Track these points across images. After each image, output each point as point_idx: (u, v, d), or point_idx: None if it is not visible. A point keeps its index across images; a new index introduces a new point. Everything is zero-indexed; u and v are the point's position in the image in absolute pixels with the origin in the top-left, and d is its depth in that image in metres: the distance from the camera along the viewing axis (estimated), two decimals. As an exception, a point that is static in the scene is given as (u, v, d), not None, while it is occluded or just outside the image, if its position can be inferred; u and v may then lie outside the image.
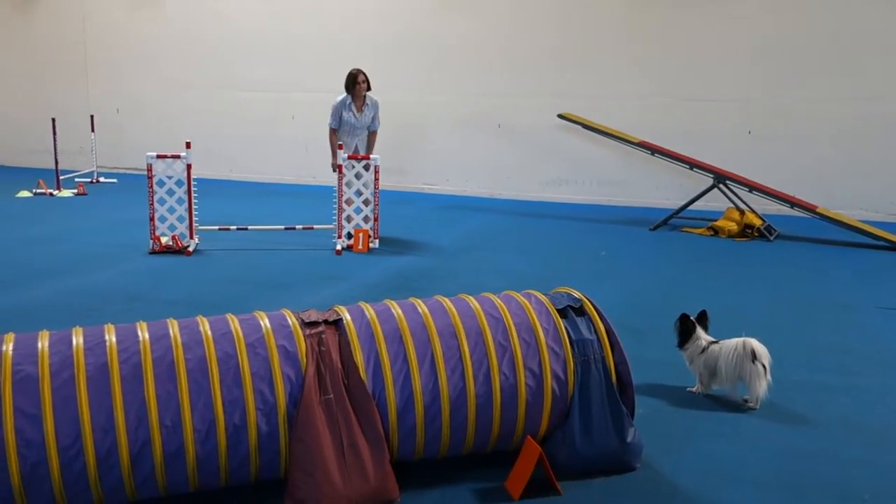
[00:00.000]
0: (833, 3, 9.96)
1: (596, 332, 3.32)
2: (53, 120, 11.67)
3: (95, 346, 2.83)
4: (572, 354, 3.25)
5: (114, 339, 2.87)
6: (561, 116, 10.56)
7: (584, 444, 3.22)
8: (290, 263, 7.22)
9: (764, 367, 3.93)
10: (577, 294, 3.50)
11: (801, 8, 10.07)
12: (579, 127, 10.54)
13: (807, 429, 3.80)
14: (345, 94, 8.15)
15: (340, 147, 7.82)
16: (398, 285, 6.36)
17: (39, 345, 2.80)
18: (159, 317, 3.30)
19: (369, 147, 8.41)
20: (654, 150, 9.80)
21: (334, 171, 7.81)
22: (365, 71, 8.17)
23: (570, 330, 3.30)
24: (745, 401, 4.04)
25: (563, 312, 3.36)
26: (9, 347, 2.76)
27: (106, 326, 2.97)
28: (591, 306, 3.42)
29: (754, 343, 3.97)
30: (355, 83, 8.06)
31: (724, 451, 3.53)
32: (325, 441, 2.92)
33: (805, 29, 10.09)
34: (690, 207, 9.43)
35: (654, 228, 9.29)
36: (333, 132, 8.21)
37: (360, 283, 6.50)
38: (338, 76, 12.21)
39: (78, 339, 2.86)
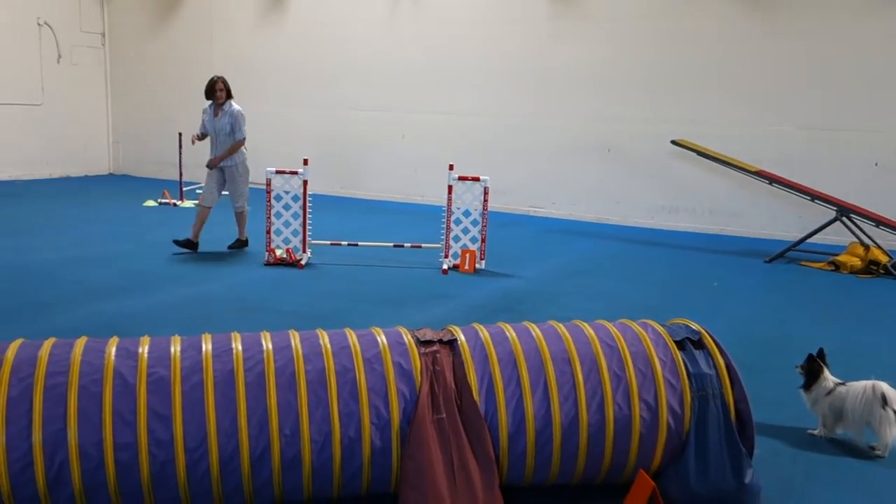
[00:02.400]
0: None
1: (715, 366, 3.22)
2: (180, 134, 12.29)
3: (223, 353, 2.95)
4: (690, 388, 3.16)
5: (240, 348, 2.99)
6: (675, 143, 10.34)
7: (699, 481, 3.11)
8: (397, 280, 7.33)
9: (895, 412, 3.71)
10: (695, 326, 3.41)
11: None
12: (692, 154, 10.29)
13: (941, 483, 3.55)
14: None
15: (198, 139, 8.43)
16: (503, 307, 6.35)
17: (172, 349, 2.94)
18: (273, 326, 3.42)
19: (226, 151, 8.20)
20: (772, 179, 9.45)
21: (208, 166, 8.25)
22: (225, 79, 8.19)
23: (688, 363, 3.21)
24: (873, 448, 3.81)
25: (680, 345, 3.28)
26: (144, 350, 2.92)
27: (232, 334, 3.10)
28: (710, 339, 3.32)
29: (885, 387, 3.75)
30: (213, 90, 8.09)
31: (847, 502, 3.34)
32: (437, 460, 2.93)
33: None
34: (810, 240, 9.03)
35: (770, 261, 8.94)
36: (202, 136, 8.39)
37: (465, 304, 6.53)
38: (449, 99, 12.50)
39: (207, 345, 2.98)
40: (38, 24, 14.34)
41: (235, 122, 8.06)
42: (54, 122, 14.39)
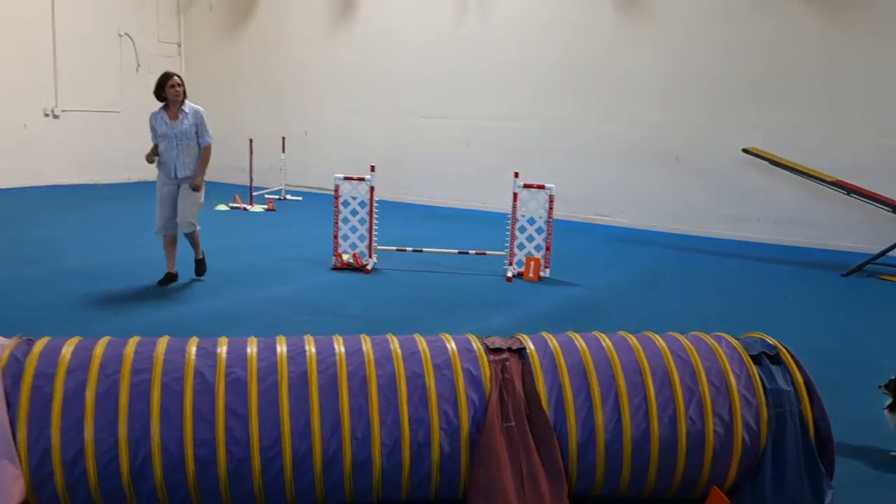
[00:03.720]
0: None
1: (793, 382, 3.14)
2: (251, 141, 12.60)
3: (297, 355, 3.01)
4: (766, 404, 3.09)
5: (313, 350, 3.04)
6: (746, 151, 10.11)
7: (777, 501, 3.03)
8: (461, 287, 7.34)
9: None
10: (771, 340, 3.33)
11: None
12: (763, 162, 10.04)
13: None
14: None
15: (153, 155, 6.79)
16: (569, 316, 6.31)
17: (249, 350, 3.02)
18: (341, 330, 3.46)
19: (200, 164, 6.83)
20: (850, 189, 9.16)
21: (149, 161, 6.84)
22: (180, 75, 6.87)
23: (764, 378, 3.14)
24: None
25: (756, 359, 3.21)
26: (223, 350, 3.00)
27: (306, 337, 3.16)
28: (787, 355, 3.24)
29: None
30: (165, 86, 6.57)
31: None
32: (506, 469, 2.93)
33: None
34: (891, 254, 8.70)
35: (848, 274, 8.65)
36: (154, 148, 6.79)
37: (530, 312, 6.50)
38: (515, 105, 12.49)
39: (282, 347, 3.05)
40: (119, 36, 14.90)
41: (202, 124, 6.75)
42: (132, 129, 14.83)
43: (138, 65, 15.15)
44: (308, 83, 14.70)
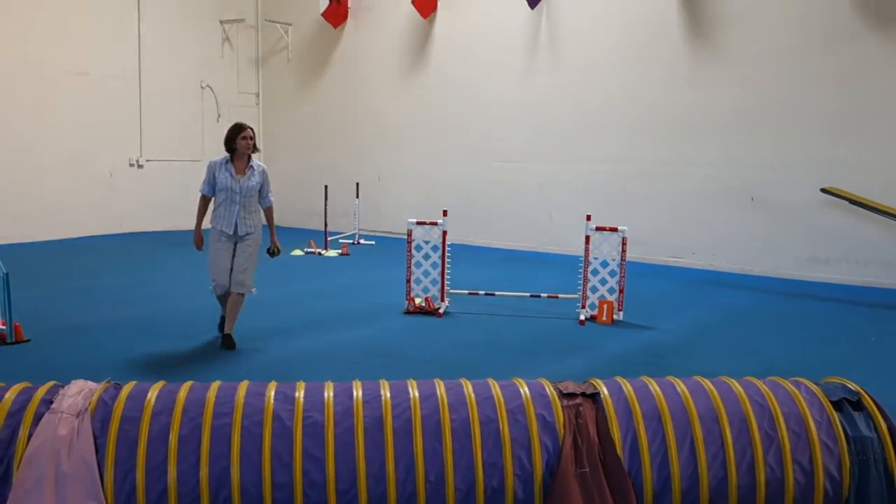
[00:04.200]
0: None
1: (876, 429, 3.05)
2: (326, 187, 12.95)
3: (372, 399, 3.08)
4: (848, 452, 3.00)
5: (388, 395, 3.11)
6: (825, 191, 9.86)
7: (862, 553, 2.93)
8: (534, 330, 7.34)
9: None
10: (853, 386, 3.24)
11: None
12: (845, 202, 9.77)
13: None
14: (225, 154, 6.40)
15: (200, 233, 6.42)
16: (643, 360, 6.23)
17: (326, 394, 3.10)
18: (414, 374, 3.52)
19: (270, 228, 6.67)
20: (936, 229, 8.82)
21: (197, 247, 6.50)
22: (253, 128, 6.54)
23: (846, 425, 3.06)
24: None
25: (837, 405, 3.13)
26: (300, 394, 3.09)
27: (381, 382, 3.23)
28: (870, 400, 3.15)
29: None
30: (236, 137, 6.25)
31: None
32: (580, 515, 2.92)
33: None
34: (982, 295, 8.33)
35: (936, 316, 8.30)
36: (204, 200, 6.42)
37: (603, 356, 6.45)
38: (586, 146, 12.51)
39: (358, 391, 3.13)
40: (202, 87, 15.63)
41: (267, 183, 6.49)
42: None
43: (219, 115, 15.82)
44: (381, 130, 15.07)
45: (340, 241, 13.20)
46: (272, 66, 16.65)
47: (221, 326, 6.57)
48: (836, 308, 8.82)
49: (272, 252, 6.63)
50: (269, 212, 6.63)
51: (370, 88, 15.15)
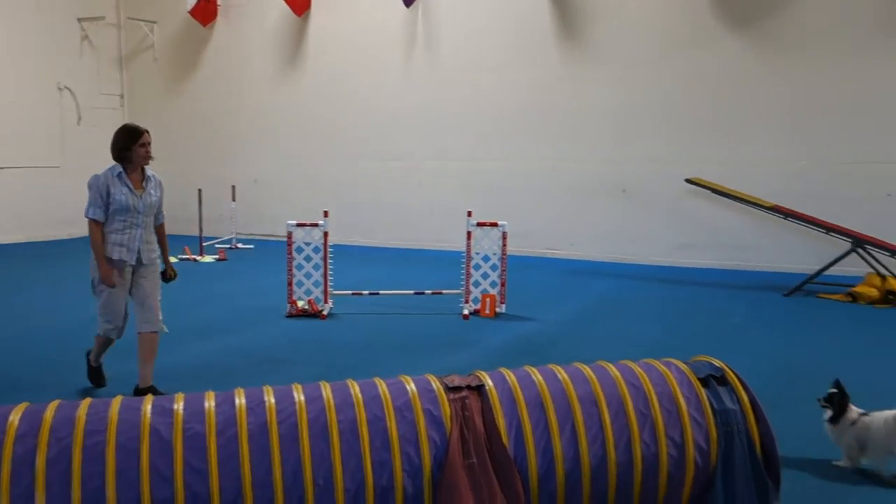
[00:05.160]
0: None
1: (739, 402, 3.25)
2: (199, 191, 12.53)
3: (256, 406, 3.02)
4: (715, 424, 3.19)
5: (272, 400, 3.05)
6: (689, 181, 10.43)
7: (730, 518, 3.12)
8: (419, 328, 7.39)
9: None
10: (717, 363, 3.44)
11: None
12: (708, 191, 10.36)
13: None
14: (112, 165, 5.05)
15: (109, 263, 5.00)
16: (526, 350, 6.39)
17: (206, 404, 3.01)
18: (300, 378, 3.48)
19: (163, 249, 5.41)
20: (787, 213, 9.50)
21: (104, 286, 5.08)
22: None
23: (712, 399, 3.25)
24: None
25: (704, 382, 3.31)
26: (179, 406, 2.99)
27: (264, 388, 3.16)
28: (733, 376, 3.36)
29: None
30: (133, 145, 4.99)
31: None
32: (468, 505, 2.96)
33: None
34: (827, 273, 9.03)
35: (789, 294, 8.94)
36: (98, 226, 5.01)
37: (488, 348, 6.57)
38: (465, 145, 12.68)
39: (240, 399, 3.05)
40: (59, 89, 14.74)
41: (162, 197, 5.35)
42: (74, 184, 14.65)
43: (79, 118, 15.00)
44: (257, 130, 14.72)
45: (217, 246, 12.82)
46: (137, 66, 15.94)
47: (96, 375, 5.50)
48: (703, 291, 9.34)
49: (169, 277, 5.46)
50: (162, 230, 5.41)
51: (244, 88, 14.77)
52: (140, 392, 5.08)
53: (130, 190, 5.02)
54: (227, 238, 13.41)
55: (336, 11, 13.71)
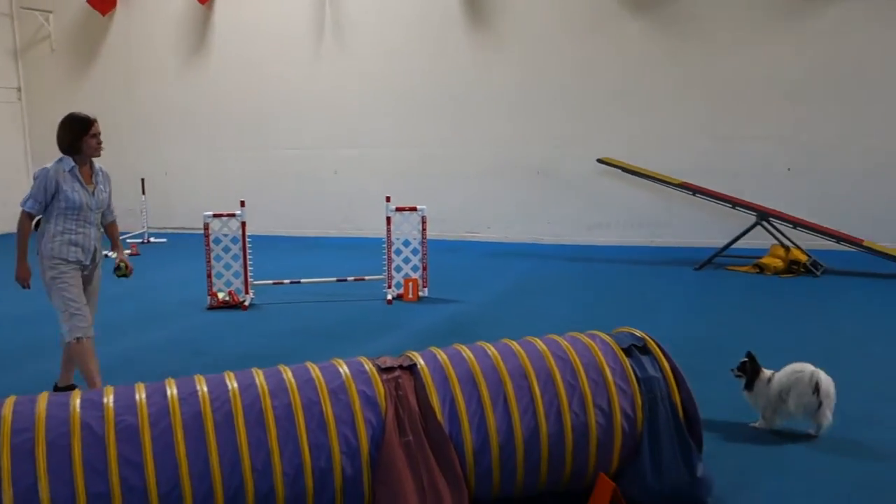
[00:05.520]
0: (865, 39, 10.05)
1: (661, 369, 3.41)
2: (107, 184, 12.10)
3: (189, 395, 2.99)
4: (640, 392, 3.33)
5: (205, 389, 3.03)
6: (600, 161, 10.72)
7: (655, 479, 3.28)
8: (343, 314, 7.38)
9: (827, 396, 3.98)
10: (639, 333, 3.59)
11: (830, 43, 10.18)
12: (619, 171, 10.68)
13: (877, 461, 3.81)
14: (60, 157, 4.73)
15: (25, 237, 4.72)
16: (450, 331, 6.47)
17: (137, 396, 2.97)
18: (226, 370, 3.44)
19: (116, 246, 5.21)
20: (695, 190, 9.89)
21: (25, 283, 4.86)
22: None
23: (636, 368, 3.39)
24: (811, 432, 4.07)
25: (627, 351, 3.46)
26: (109, 399, 2.94)
27: (196, 377, 3.14)
28: (654, 344, 3.51)
29: (821, 376, 4.02)
30: (85, 136, 4.71)
31: (795, 486, 3.56)
32: (407, 482, 3.02)
33: (837, 64, 10.18)
34: (734, 246, 9.45)
35: (699, 268, 9.32)
36: (30, 221, 4.76)
37: (413, 331, 6.63)
38: (378, 132, 12.66)
39: (172, 389, 3.02)
40: (-50, 82, 13.98)
41: (111, 191, 5.01)
42: (-27, 181, 14.00)
43: (-26, 114, 14.27)
44: (165, 121, 14.30)
45: (128, 240, 12.43)
46: (33, 58, 15.19)
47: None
48: (619, 268, 9.63)
49: (125, 272, 5.09)
50: (115, 228, 5.16)
51: (148, 78, 14.29)
52: (60, 390, 4.88)
53: (83, 186, 4.70)
54: (138, 233, 13.02)
55: (240, -1, 13.43)
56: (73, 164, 4.69)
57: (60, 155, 4.73)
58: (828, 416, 4.00)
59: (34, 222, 4.78)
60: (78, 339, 4.69)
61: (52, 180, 4.61)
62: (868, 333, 6.26)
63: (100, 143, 4.78)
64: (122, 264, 5.08)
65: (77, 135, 4.70)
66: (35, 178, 4.67)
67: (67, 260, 4.69)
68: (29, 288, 4.80)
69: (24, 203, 4.68)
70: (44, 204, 4.66)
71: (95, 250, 4.85)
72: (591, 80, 11.35)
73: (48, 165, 4.69)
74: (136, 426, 2.85)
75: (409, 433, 3.10)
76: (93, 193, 4.76)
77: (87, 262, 4.81)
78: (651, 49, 11.01)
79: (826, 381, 4.01)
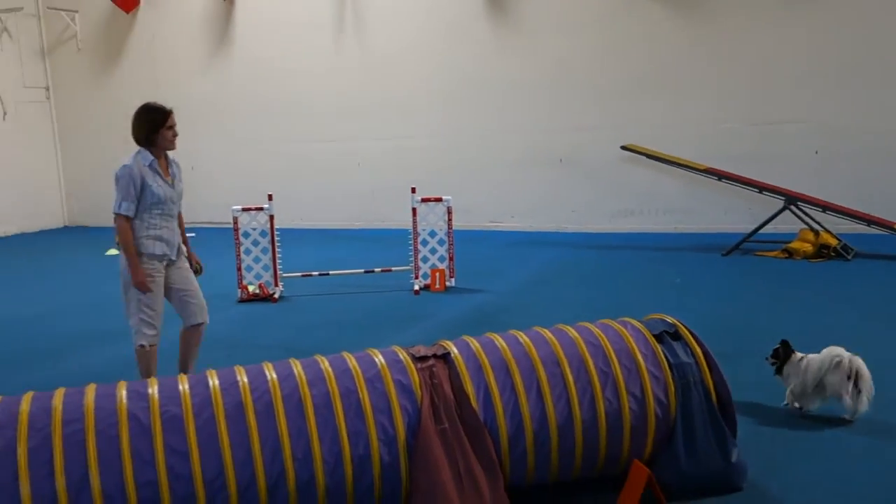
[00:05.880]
0: (890, 19, 9.90)
1: (693, 354, 3.43)
2: (136, 180, 12.26)
3: (230, 386, 3.07)
4: (672, 378, 3.36)
5: (246, 380, 3.10)
6: (625, 148, 10.68)
7: (690, 464, 3.31)
8: (372, 305, 7.46)
9: (863, 381, 3.98)
10: (670, 319, 3.62)
11: (857, 24, 10.05)
12: (643, 157, 10.63)
13: (910, 445, 3.81)
14: (137, 151, 4.66)
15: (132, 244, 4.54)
16: (479, 320, 6.52)
17: (181, 387, 3.05)
18: (262, 360, 3.49)
19: (185, 241, 4.98)
20: (721, 175, 9.83)
21: (147, 287, 4.59)
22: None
23: (668, 354, 3.41)
24: (846, 417, 4.07)
25: (659, 338, 3.48)
26: (154, 390, 3.02)
27: (236, 368, 3.21)
28: (685, 331, 3.54)
29: (859, 363, 4.01)
30: (162, 126, 4.67)
31: (830, 471, 3.57)
32: (443, 468, 3.08)
33: (864, 45, 10.04)
34: (762, 231, 9.39)
35: (727, 254, 9.28)
36: (128, 223, 4.55)
37: (441, 321, 6.69)
38: (401, 123, 12.70)
39: (214, 380, 3.10)
40: (-20, 83, 14.23)
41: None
42: (4, 180, 14.23)
43: (4, 113, 14.47)
44: (190, 117, 14.32)
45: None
46: (61, 57, 15.42)
47: None
48: (645, 255, 9.62)
49: (197, 270, 5.04)
50: (181, 219, 4.93)
51: (173, 74, 14.44)
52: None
53: (164, 179, 4.62)
54: (167, 228, 13.17)
55: (262, -8, 13.52)
56: (151, 157, 4.60)
57: (137, 149, 4.64)
58: (864, 402, 3.99)
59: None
60: (142, 345, 4.68)
61: (137, 177, 4.51)
62: (900, 317, 6.21)
63: (175, 134, 4.70)
64: (198, 266, 5.04)
65: (154, 126, 4.61)
66: (118, 179, 4.53)
67: (154, 254, 4.61)
68: (151, 291, 4.62)
69: (117, 207, 4.52)
70: (136, 202, 4.52)
71: (179, 244, 4.80)
72: (614, 66, 11.29)
73: (127, 162, 4.57)
74: (180, 416, 2.93)
75: (445, 420, 3.15)
76: (172, 185, 4.69)
77: (174, 257, 4.74)
78: (675, 34, 10.93)
79: (862, 366, 4.00)
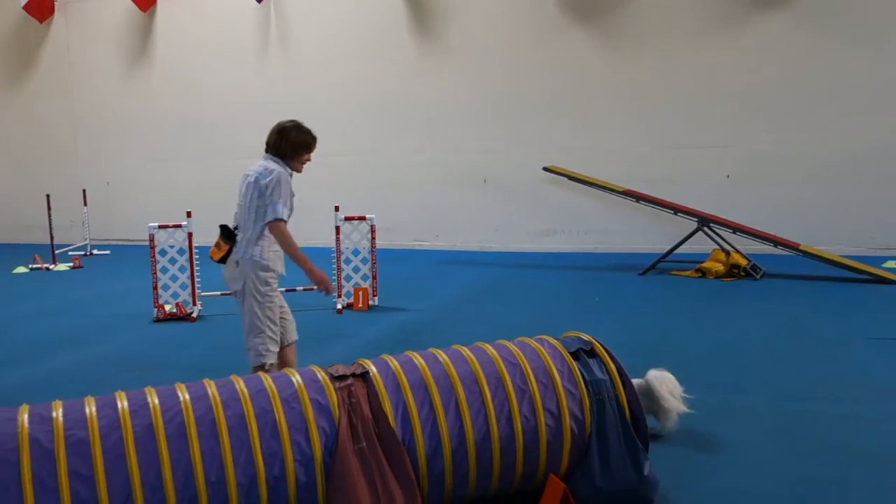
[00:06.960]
0: (801, 49, 10.43)
1: (608, 371, 3.51)
2: (48, 196, 11.85)
3: (140, 408, 2.98)
4: (587, 394, 3.42)
5: (156, 401, 3.02)
6: (546, 169, 10.89)
7: (604, 479, 3.37)
8: (293, 324, 7.34)
9: (668, 397, 4.07)
10: (586, 337, 3.69)
11: (768, 53, 10.54)
12: (564, 178, 10.86)
13: (812, 457, 3.97)
14: (276, 160, 4.68)
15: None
16: (401, 340, 6.52)
17: (87, 410, 2.94)
18: (172, 383, 3.42)
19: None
20: (638, 197, 10.12)
21: (329, 288, 4.65)
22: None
23: (583, 371, 3.48)
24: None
25: (575, 355, 3.55)
26: (58, 413, 2.90)
27: (147, 389, 3.12)
28: (601, 348, 3.61)
29: (651, 380, 4.10)
30: (308, 151, 4.69)
31: (737, 483, 3.69)
32: (361, 488, 3.05)
33: (774, 74, 10.54)
34: (677, 251, 9.70)
35: (643, 273, 9.54)
36: (285, 225, 4.52)
37: (364, 340, 6.65)
38: (326, 140, 12.58)
39: (123, 402, 3.00)
40: None
41: None
42: None
43: None
44: (106, 131, 14.06)
45: (70, 253, 12.17)
46: (-32, 65, 14.82)
47: None
48: (565, 274, 9.80)
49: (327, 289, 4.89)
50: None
51: (89, 87, 14.06)
52: None
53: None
54: (80, 245, 12.76)
55: (183, 7, 13.30)
56: (289, 170, 4.50)
57: (266, 156, 4.63)
58: (668, 419, 4.07)
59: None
60: (270, 365, 4.58)
61: (289, 184, 4.45)
62: (803, 334, 6.48)
63: (307, 162, 4.66)
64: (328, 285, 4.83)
65: (298, 149, 4.57)
66: (272, 182, 4.40)
67: (277, 271, 4.59)
68: (332, 290, 4.58)
69: (279, 213, 4.39)
70: (291, 206, 4.44)
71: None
72: (537, 89, 11.53)
73: (272, 167, 4.47)
74: (86, 439, 2.82)
75: (363, 440, 3.13)
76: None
77: (286, 272, 4.69)
78: (593, 59, 11.25)
79: (657, 386, 4.06)
